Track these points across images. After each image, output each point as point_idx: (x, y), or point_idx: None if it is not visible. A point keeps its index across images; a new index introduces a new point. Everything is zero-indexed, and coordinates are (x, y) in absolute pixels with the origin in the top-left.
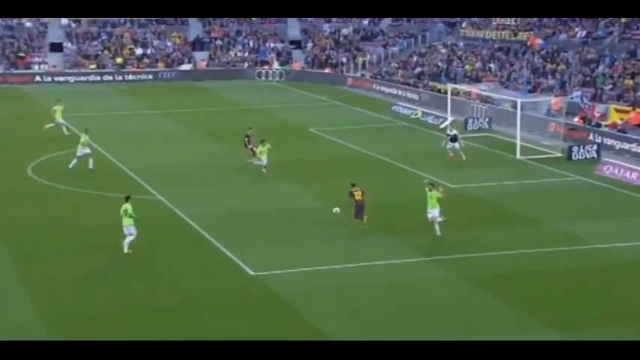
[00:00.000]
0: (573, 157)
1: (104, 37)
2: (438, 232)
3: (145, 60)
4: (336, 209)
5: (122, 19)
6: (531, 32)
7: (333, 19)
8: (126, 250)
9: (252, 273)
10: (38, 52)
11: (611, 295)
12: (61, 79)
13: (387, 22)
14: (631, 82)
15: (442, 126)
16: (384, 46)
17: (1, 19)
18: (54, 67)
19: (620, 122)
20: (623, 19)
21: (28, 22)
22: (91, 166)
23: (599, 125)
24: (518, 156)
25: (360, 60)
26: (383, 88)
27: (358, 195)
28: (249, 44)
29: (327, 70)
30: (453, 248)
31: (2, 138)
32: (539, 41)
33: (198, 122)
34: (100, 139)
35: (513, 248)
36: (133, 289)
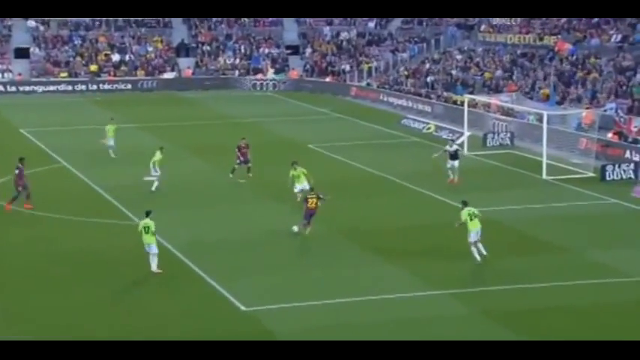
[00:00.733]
0: (607, 178)
1: (76, 42)
2: (483, 252)
3: (123, 67)
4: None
5: (97, 22)
6: (559, 36)
7: (335, 21)
8: (155, 270)
9: (243, 308)
10: (1, 59)
11: None
12: (28, 88)
13: (395, 24)
14: None
15: (452, 147)
16: (393, 52)
17: None
18: (19, 75)
19: None
20: None
21: None
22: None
23: (636, 142)
24: (544, 176)
25: (365, 67)
26: (391, 99)
27: (312, 203)
28: (240, 50)
29: (328, 79)
30: (471, 280)
31: None
32: (568, 46)
33: (182, 137)
34: (71, 156)
35: (539, 281)
36: (111, 328)
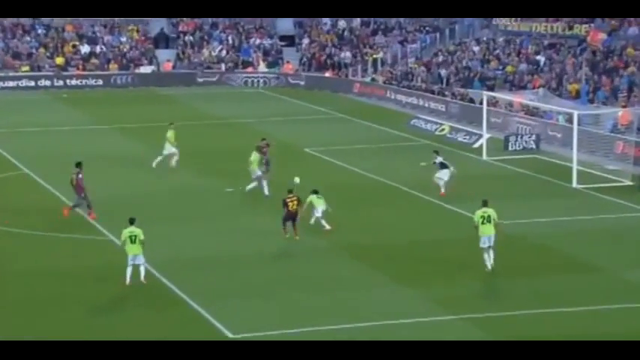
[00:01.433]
0: None
1: (40, 31)
2: (490, 262)
3: (94, 60)
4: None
5: None
6: (591, 25)
7: None
8: (143, 280)
9: (230, 335)
10: None
11: None
12: None
13: None
14: None
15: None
16: (402, 43)
17: None
18: None
19: None
20: None
21: None
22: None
23: None
24: (574, 184)
25: (369, 59)
26: (399, 97)
27: (293, 205)
28: (227, 40)
29: (327, 74)
30: (492, 303)
31: None
32: (602, 36)
33: (161, 140)
34: (33, 162)
35: (569, 304)
36: None
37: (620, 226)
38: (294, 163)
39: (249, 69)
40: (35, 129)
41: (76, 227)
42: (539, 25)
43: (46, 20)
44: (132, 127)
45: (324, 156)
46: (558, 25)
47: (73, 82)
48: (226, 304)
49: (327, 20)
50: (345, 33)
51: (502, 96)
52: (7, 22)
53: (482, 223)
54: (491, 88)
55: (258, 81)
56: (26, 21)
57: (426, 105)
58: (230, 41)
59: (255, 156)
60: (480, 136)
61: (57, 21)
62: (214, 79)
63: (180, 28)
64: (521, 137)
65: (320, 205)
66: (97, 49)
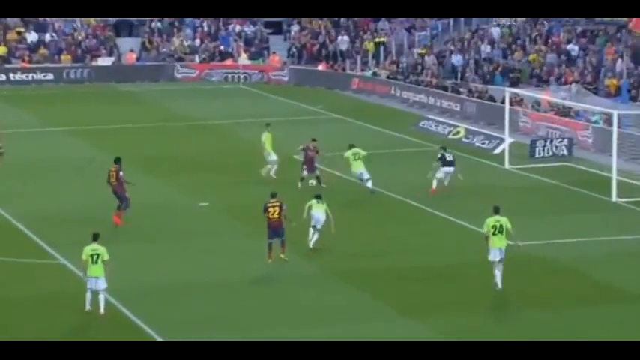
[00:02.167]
0: None
1: None
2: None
3: (42, 51)
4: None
5: None
6: None
7: None
8: (103, 312)
9: None
10: None
11: None
12: None
13: None
14: None
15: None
16: (409, 30)
17: None
18: None
19: None
20: None
21: None
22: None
23: None
24: (614, 198)
25: (369, 46)
26: (406, 94)
27: (274, 212)
28: (202, 27)
29: (321, 67)
30: (509, 334)
31: None
32: None
33: (123, 145)
34: None
35: (609, 339)
36: None
37: None
38: (280, 172)
39: (229, 61)
40: None
41: (21, 248)
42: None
43: None
44: (88, 129)
45: (316, 164)
46: None
47: (18, 76)
48: (200, 339)
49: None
50: (342, 19)
51: (528, 93)
52: None
53: (494, 233)
54: (514, 84)
55: (239, 76)
56: None
57: (438, 104)
58: (205, 28)
59: (266, 136)
60: (502, 140)
61: None
62: (193, 74)
63: None
64: (551, 142)
65: (318, 213)
66: (47, 37)
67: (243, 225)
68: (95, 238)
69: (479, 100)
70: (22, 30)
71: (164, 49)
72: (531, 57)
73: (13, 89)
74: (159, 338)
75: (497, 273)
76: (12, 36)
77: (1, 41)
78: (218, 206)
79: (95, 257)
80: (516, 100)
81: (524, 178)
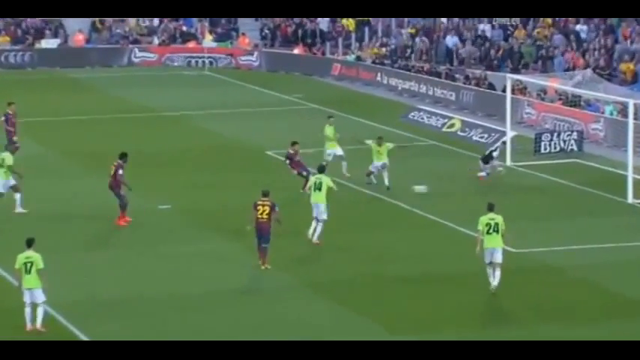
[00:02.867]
0: None
1: None
2: (495, 283)
3: None
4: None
5: None
6: None
7: None
8: (40, 328)
9: None
10: None
11: None
12: None
13: None
14: None
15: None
16: None
17: None
18: None
19: None
20: None
21: None
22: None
23: None
24: (630, 199)
25: (351, 24)
26: (393, 81)
27: (263, 212)
28: None
29: (297, 51)
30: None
31: None
32: None
33: (71, 140)
34: None
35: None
36: None
37: None
38: (252, 170)
39: (191, 44)
40: None
41: None
42: None
43: None
44: (30, 121)
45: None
46: None
47: None
48: None
49: None
50: None
51: (533, 80)
52: None
53: (488, 232)
54: (517, 69)
55: (204, 61)
56: None
57: (430, 92)
58: None
59: (329, 129)
60: (503, 133)
61: None
62: (152, 57)
63: None
64: (558, 136)
65: (318, 202)
66: None
67: (208, 231)
68: (29, 244)
69: (477, 88)
70: None
71: (117, 30)
72: (536, 31)
73: None
74: None
75: (490, 272)
76: None
77: None
78: (180, 209)
79: (29, 266)
80: (519, 88)
81: (529, 176)
